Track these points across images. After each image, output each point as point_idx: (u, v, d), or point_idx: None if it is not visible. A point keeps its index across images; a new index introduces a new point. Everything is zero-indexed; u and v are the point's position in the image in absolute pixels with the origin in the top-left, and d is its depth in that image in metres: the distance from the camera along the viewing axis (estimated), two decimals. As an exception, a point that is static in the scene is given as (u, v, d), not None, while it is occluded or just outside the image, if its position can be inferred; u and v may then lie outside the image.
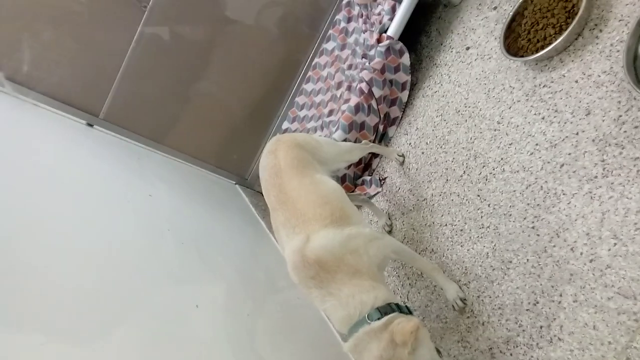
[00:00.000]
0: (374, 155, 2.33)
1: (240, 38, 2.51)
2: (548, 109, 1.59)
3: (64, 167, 1.84)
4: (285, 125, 2.70)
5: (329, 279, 1.35)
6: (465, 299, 1.64)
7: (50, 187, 1.63)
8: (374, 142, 2.22)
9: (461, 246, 1.73)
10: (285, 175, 1.59)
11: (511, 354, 1.45)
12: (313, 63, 2.66)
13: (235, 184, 2.79)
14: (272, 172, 1.63)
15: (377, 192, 2.23)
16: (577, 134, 1.47)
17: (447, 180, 1.89)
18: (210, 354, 1.39)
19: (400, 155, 2.14)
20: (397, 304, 1.33)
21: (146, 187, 2.06)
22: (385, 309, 1.29)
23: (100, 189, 1.81)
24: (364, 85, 2.14)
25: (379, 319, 1.26)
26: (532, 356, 1.39)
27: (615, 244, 1.28)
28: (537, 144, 1.58)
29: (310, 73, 2.66)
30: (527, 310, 1.44)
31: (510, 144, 1.68)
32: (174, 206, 2.08)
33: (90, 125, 2.30)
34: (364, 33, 2.34)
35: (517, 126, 1.67)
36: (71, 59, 2.17)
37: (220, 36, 2.49)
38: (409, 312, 1.34)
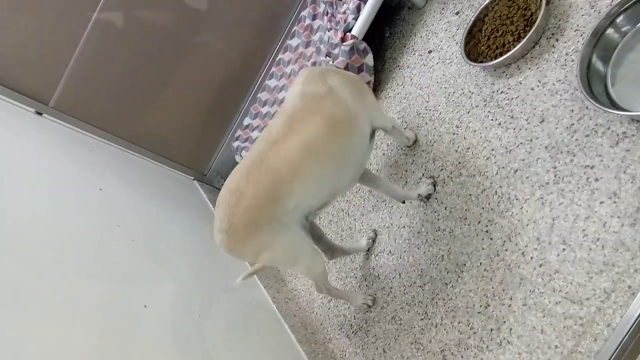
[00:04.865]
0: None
1: (202, 29, 2.44)
2: (504, 115, 1.61)
3: (6, 157, 1.73)
4: (247, 121, 2.65)
5: None
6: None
7: (-11, 179, 1.53)
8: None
9: (418, 248, 1.74)
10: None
11: (462, 356, 1.46)
12: (277, 59, 2.62)
13: (194, 179, 2.72)
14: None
15: (337, 192, 2.22)
16: (531, 140, 1.50)
17: (406, 182, 1.89)
18: (155, 356, 1.34)
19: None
20: None
21: (97, 181, 1.97)
22: None
23: (45, 181, 1.71)
24: (326, 84, 2.12)
25: None
26: (482, 358, 1.41)
27: (564, 249, 1.31)
28: (493, 149, 1.60)
29: (273, 69, 2.62)
30: (478, 313, 1.46)
31: (467, 149, 1.70)
32: (126, 201, 2.00)
33: (39, 113, 2.18)
34: (328, 31, 2.32)
35: (475, 131, 1.69)
36: (19, 42, 2.05)
37: (181, 26, 2.41)
38: None
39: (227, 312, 1.77)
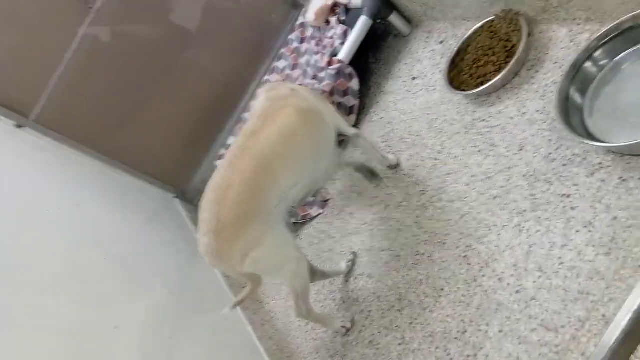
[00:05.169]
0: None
1: (189, 48, 2.46)
2: (485, 143, 1.64)
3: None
4: (230, 140, 2.65)
5: None
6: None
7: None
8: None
9: (397, 272, 1.73)
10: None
11: (438, 383, 1.45)
12: (263, 80, 2.64)
13: (174, 197, 2.69)
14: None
15: (319, 214, 2.22)
16: (509, 168, 1.52)
17: (387, 205, 1.90)
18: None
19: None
20: None
21: (74, 196, 1.93)
22: None
23: (19, 195, 1.67)
24: (311, 106, 2.14)
25: None
26: (458, 386, 1.39)
27: (540, 276, 1.32)
28: (473, 176, 1.62)
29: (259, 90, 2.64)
30: (455, 338, 1.45)
31: (448, 174, 1.71)
32: (103, 218, 1.97)
33: (20, 126, 2.15)
34: (315, 55, 2.36)
35: (456, 157, 1.71)
36: (2, 53, 2.03)
37: (169, 45, 2.43)
38: None
39: (200, 334, 1.73)
